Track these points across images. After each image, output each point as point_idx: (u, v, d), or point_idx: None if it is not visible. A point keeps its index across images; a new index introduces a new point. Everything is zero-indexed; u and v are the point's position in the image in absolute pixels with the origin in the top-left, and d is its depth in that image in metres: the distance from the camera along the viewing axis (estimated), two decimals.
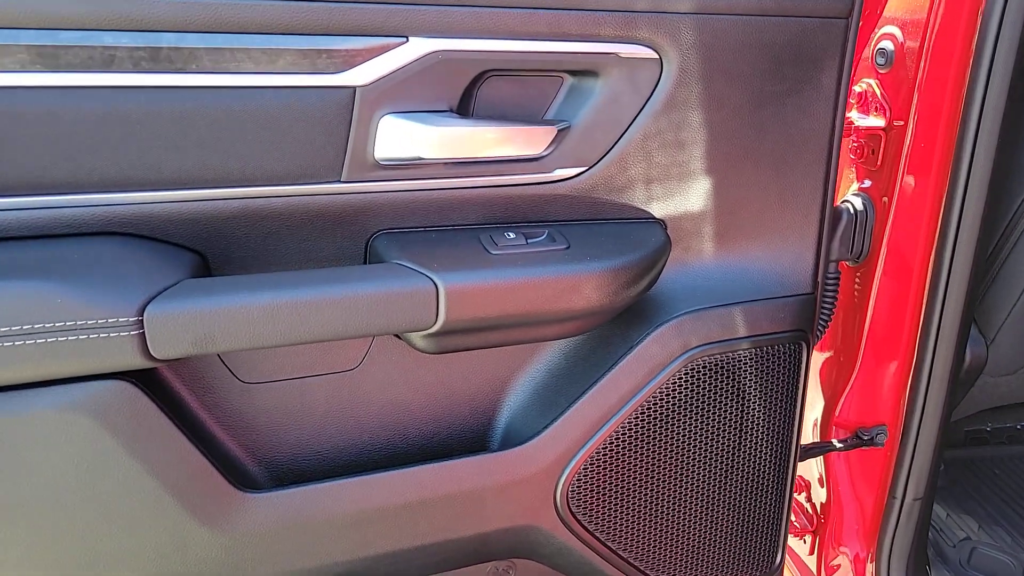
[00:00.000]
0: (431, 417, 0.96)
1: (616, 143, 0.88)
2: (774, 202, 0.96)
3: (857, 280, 1.24)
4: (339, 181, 0.80)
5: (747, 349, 0.97)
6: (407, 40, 0.77)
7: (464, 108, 0.83)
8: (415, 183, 0.83)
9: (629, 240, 0.89)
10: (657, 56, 0.85)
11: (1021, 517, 1.60)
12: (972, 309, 1.18)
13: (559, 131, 0.84)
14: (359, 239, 0.84)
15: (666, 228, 0.94)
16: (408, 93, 0.78)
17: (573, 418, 0.92)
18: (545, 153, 0.85)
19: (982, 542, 1.54)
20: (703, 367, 0.95)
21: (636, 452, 0.95)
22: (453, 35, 0.78)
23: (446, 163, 0.82)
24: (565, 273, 0.83)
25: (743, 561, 1.09)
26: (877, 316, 1.22)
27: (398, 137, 0.79)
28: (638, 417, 0.94)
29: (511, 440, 0.95)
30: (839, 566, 1.41)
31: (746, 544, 1.08)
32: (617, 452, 0.95)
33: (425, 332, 0.80)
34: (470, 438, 0.97)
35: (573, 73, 0.85)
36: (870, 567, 1.37)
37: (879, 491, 1.33)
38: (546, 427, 0.92)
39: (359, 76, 0.76)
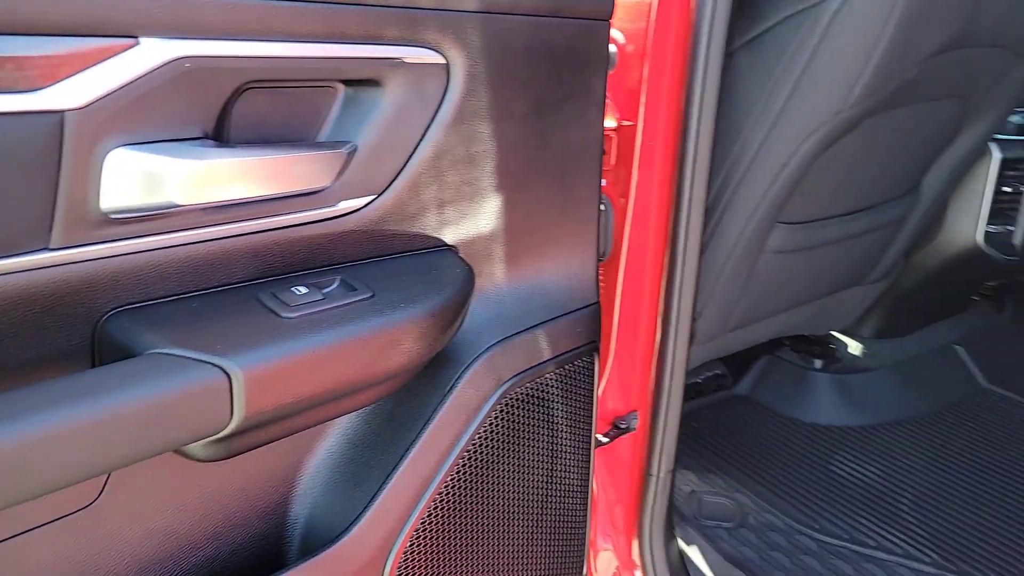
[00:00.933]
0: (209, 536, 0.73)
1: (406, 164, 0.74)
2: (558, 214, 0.91)
3: (602, 278, 1.27)
4: (47, 249, 0.55)
5: (552, 371, 0.91)
6: (138, 41, 0.54)
7: (220, 133, 0.62)
8: (163, 238, 0.61)
9: (433, 275, 0.77)
10: (444, 61, 0.73)
11: (724, 460, 1.83)
12: (699, 293, 1.28)
13: (347, 155, 0.68)
14: (82, 327, 0.59)
15: (458, 254, 0.83)
16: (146, 116, 0.56)
17: (393, 491, 0.77)
18: (331, 184, 0.68)
19: (704, 491, 1.73)
20: (516, 400, 0.87)
21: (463, 511, 0.84)
22: (203, 35, 0.57)
23: (205, 208, 0.61)
24: (380, 328, 0.67)
25: None
26: (624, 310, 1.27)
27: (136, 178, 0.57)
28: (461, 471, 0.83)
29: (318, 537, 0.77)
30: (606, 549, 1.46)
31: (562, 563, 1.04)
32: (444, 517, 0.82)
33: (212, 438, 0.59)
34: (265, 548, 0.76)
35: (349, 83, 0.70)
36: (635, 544, 1.44)
37: (637, 472, 1.40)
38: (362, 512, 0.76)
39: (70, 95, 0.52)
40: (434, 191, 0.78)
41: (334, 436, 0.80)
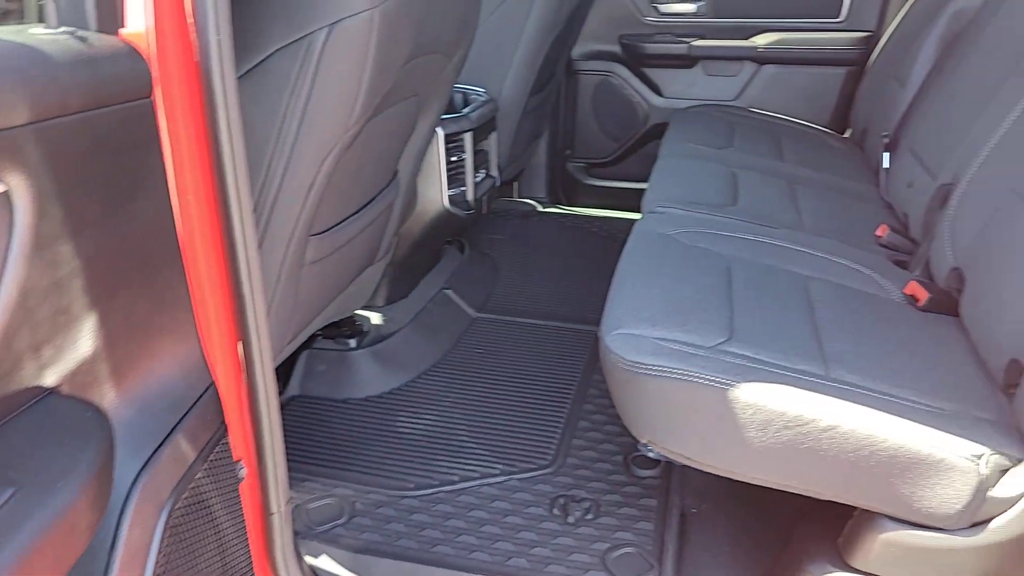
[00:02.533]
0: None
1: None
2: (153, 306, 0.83)
3: None
4: None
5: (201, 469, 0.85)
6: None
7: None
8: None
9: (64, 431, 0.65)
10: (4, 189, 0.60)
11: (308, 463, 1.88)
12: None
13: None
14: None
15: (67, 395, 0.71)
16: None
17: None
18: None
19: (306, 500, 1.77)
20: (180, 516, 0.80)
21: None
22: None
23: None
24: (52, 521, 0.56)
25: None
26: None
27: None
28: None
29: None
30: None
31: None
32: None
33: None
34: None
35: None
36: None
37: (259, 517, 1.36)
38: None
39: None
40: (27, 336, 0.65)
41: None
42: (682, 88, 3.30)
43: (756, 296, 1.55)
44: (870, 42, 3.05)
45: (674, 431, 1.31)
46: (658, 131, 3.27)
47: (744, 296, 1.53)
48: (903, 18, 2.90)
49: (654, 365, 1.28)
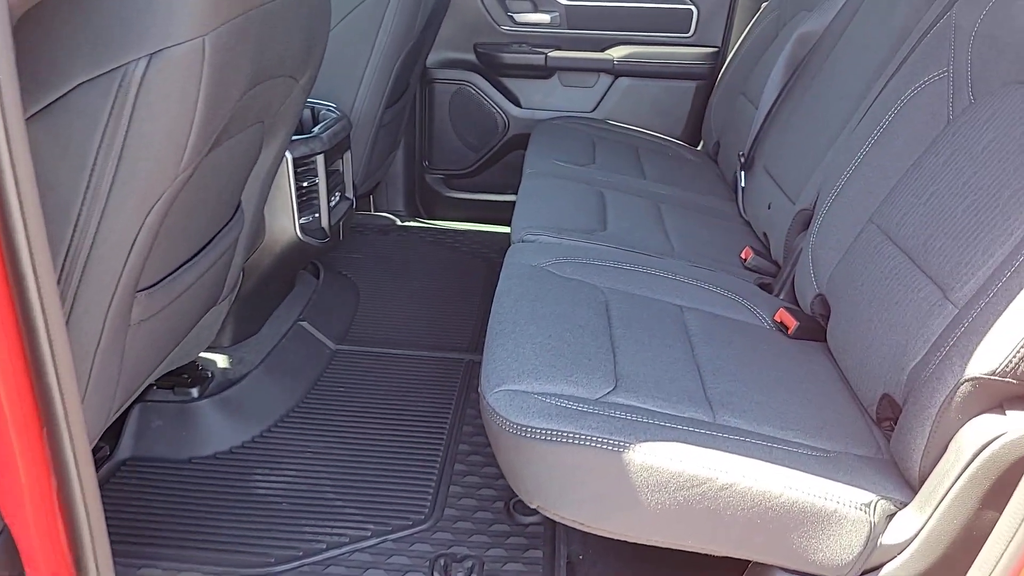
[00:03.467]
0: None
1: None
2: None
3: None
4: None
5: None
6: None
7: None
8: None
9: None
10: None
11: (144, 545, 1.63)
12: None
13: None
14: None
15: None
16: None
17: None
18: None
19: None
20: None
21: None
22: None
23: None
24: None
25: None
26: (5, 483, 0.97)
27: None
28: None
29: None
30: None
31: None
32: None
33: None
34: None
35: None
36: None
37: None
38: None
39: None
40: None
41: None
42: (541, 99, 3.25)
43: (636, 334, 1.49)
44: (718, 58, 3.13)
45: (566, 496, 1.22)
46: (519, 142, 3.19)
47: (624, 335, 1.47)
48: (746, 36, 3.00)
49: (543, 428, 1.18)
